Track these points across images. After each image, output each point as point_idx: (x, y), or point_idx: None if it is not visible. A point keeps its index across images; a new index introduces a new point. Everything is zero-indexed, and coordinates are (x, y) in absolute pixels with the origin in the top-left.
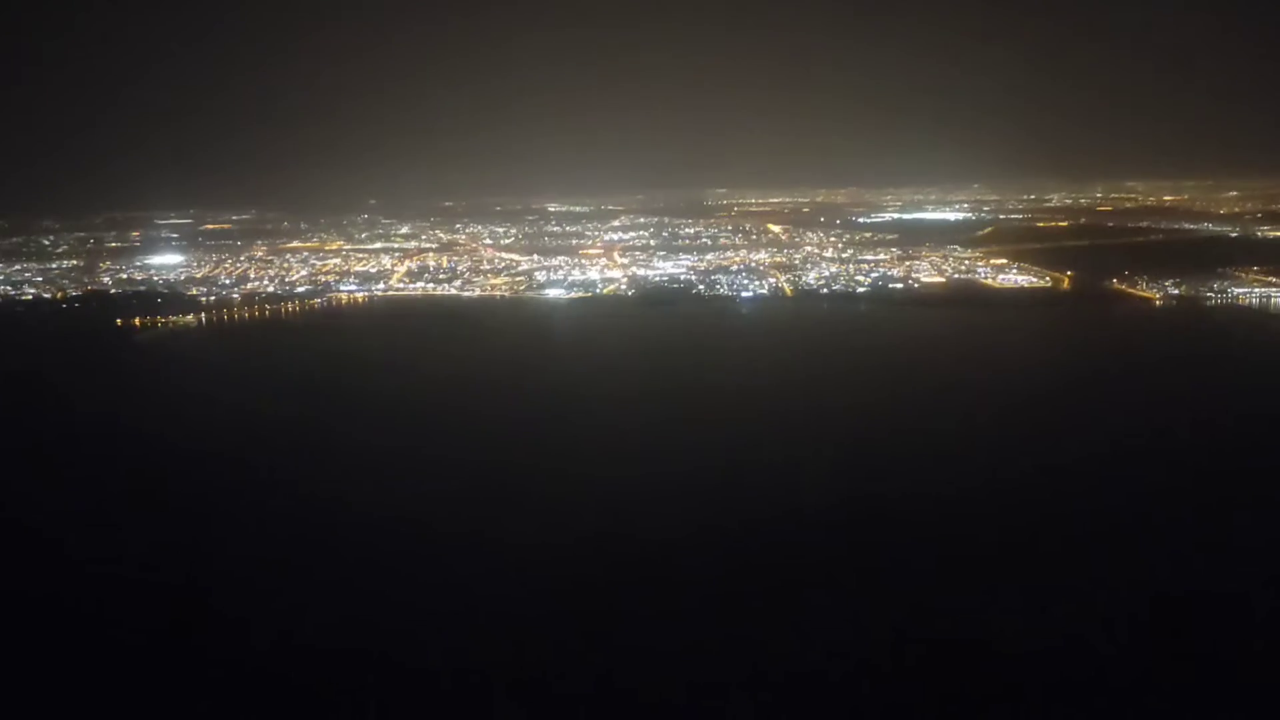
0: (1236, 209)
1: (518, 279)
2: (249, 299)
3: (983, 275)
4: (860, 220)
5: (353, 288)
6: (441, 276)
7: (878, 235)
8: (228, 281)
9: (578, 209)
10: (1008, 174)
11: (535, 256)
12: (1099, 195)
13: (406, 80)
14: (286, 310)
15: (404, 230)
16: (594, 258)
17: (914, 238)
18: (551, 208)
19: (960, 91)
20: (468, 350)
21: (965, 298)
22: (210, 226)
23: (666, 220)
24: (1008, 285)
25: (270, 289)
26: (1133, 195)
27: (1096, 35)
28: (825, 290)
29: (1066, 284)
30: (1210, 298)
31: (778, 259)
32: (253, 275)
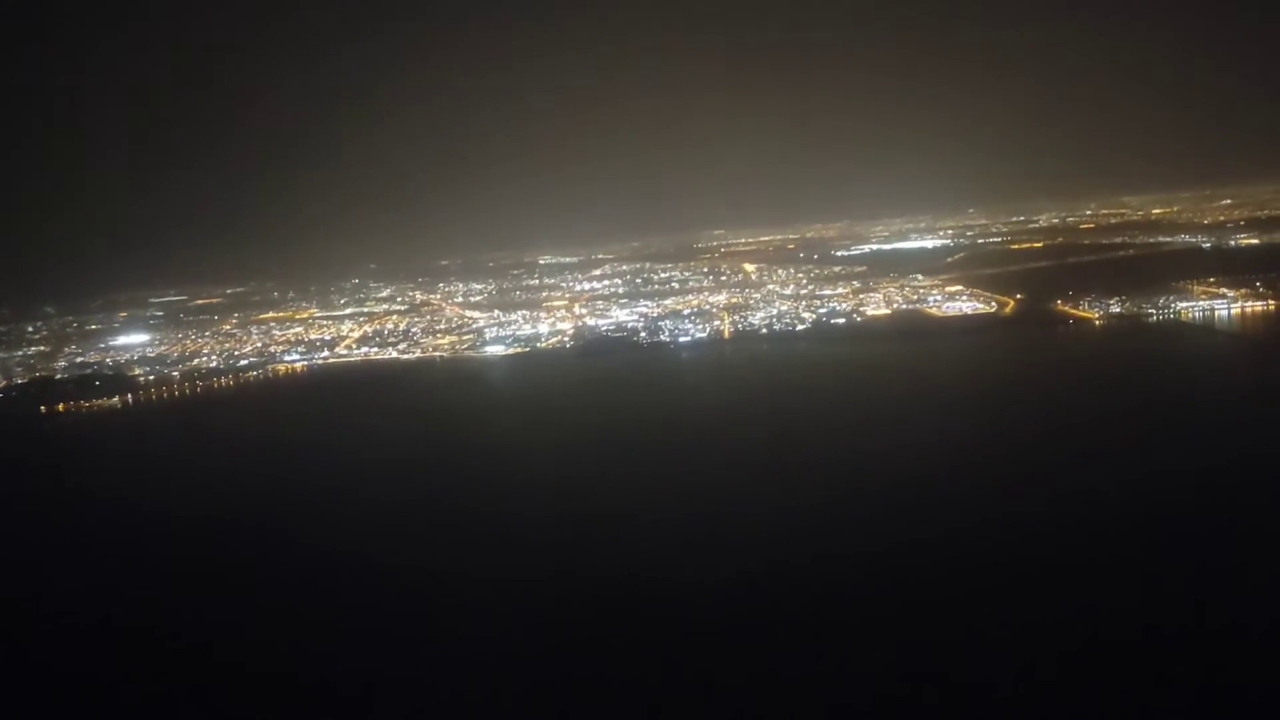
0: (1222, 218)
1: (465, 337)
2: (188, 375)
3: (931, 304)
4: (839, 254)
5: (296, 357)
6: (391, 340)
7: (848, 268)
8: (175, 358)
9: (567, 260)
10: (1007, 196)
11: (496, 312)
12: (1088, 212)
13: (412, 141)
14: (218, 385)
15: (385, 293)
16: (556, 309)
17: (884, 268)
18: (542, 260)
19: (959, 115)
20: (339, 418)
21: (901, 329)
22: (201, 301)
23: (648, 266)
24: (951, 313)
25: (213, 364)
26: (1123, 211)
27: (1090, 46)
28: (765, 330)
29: (1011, 308)
30: (1151, 314)
31: (735, 299)
32: (205, 350)
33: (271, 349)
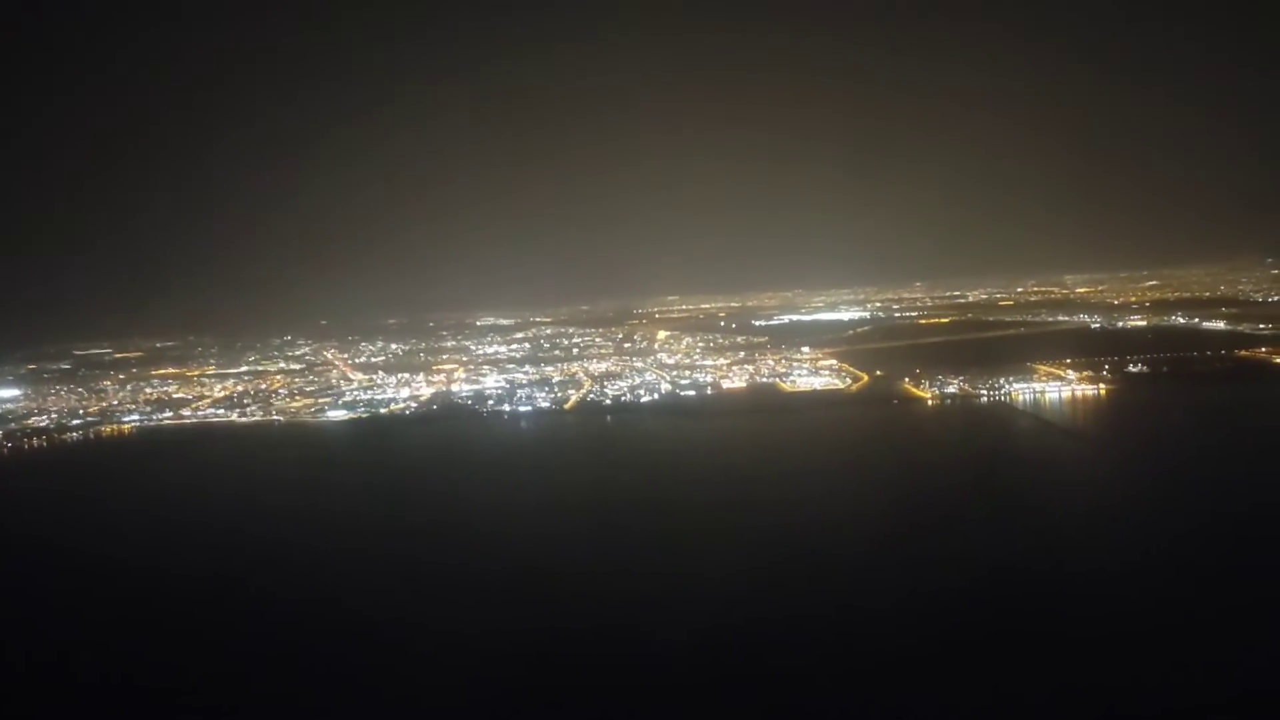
0: (1133, 299)
1: (321, 400)
2: (10, 435)
3: (790, 379)
4: (758, 323)
5: (136, 418)
6: (245, 402)
7: (749, 338)
8: (16, 416)
9: (503, 321)
10: (962, 270)
11: (380, 374)
12: (1019, 290)
13: (392, 202)
14: (29, 445)
15: (301, 351)
16: (439, 372)
17: (784, 339)
18: (480, 321)
19: (918, 189)
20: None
21: (744, 404)
22: (120, 355)
23: (569, 330)
24: (803, 389)
25: (44, 423)
26: (1051, 289)
27: (1050, 121)
28: (611, 401)
29: (860, 385)
30: (982, 396)
31: (613, 368)
32: (54, 408)
33: (121, 408)
